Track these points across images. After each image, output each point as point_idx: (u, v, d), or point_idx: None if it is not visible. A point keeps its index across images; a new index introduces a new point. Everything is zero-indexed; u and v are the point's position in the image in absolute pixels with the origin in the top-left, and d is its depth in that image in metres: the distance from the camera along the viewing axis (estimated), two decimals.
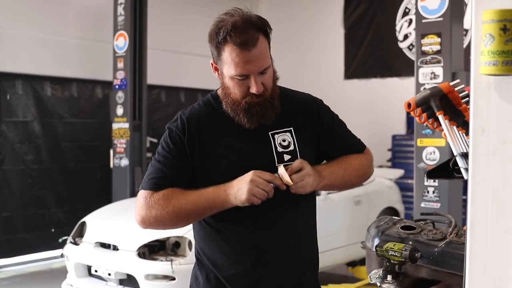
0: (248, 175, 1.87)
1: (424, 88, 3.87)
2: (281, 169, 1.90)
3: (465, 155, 1.61)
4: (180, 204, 1.92)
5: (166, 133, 2.03)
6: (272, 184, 1.88)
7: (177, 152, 1.98)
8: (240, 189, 1.86)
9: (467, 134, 1.68)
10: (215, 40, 1.90)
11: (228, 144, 1.99)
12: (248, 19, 1.89)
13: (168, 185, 1.96)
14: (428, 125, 1.78)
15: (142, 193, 1.99)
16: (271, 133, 2.01)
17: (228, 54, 1.88)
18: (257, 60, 1.89)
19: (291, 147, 2.02)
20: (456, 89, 1.75)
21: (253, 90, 1.91)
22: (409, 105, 1.76)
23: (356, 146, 2.19)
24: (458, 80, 1.81)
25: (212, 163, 1.97)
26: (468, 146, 1.59)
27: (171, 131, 2.01)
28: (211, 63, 2.00)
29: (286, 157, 2.00)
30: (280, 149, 2.00)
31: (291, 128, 2.04)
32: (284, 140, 2.02)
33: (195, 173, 1.98)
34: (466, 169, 1.56)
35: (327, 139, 2.11)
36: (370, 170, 2.21)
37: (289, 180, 1.88)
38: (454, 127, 1.71)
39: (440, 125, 1.73)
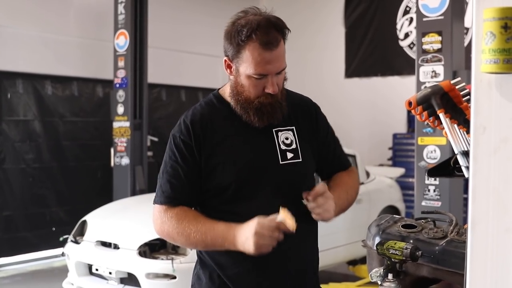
0: (252, 227, 1.83)
1: (425, 87, 3.87)
2: (283, 212, 1.85)
3: (466, 154, 1.60)
4: (190, 230, 1.93)
5: (170, 141, 2.03)
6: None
7: (183, 160, 1.97)
8: (247, 241, 1.85)
9: (468, 132, 1.68)
10: (237, 38, 1.89)
11: (233, 142, 2.00)
12: (270, 20, 1.90)
13: (180, 197, 1.97)
14: (429, 123, 1.77)
15: (156, 207, 2.01)
16: (275, 130, 2.03)
17: (250, 52, 1.88)
18: (276, 61, 1.90)
19: (293, 146, 2.04)
20: (457, 87, 1.75)
21: (269, 90, 1.93)
22: (410, 103, 1.76)
23: (345, 163, 2.24)
24: (459, 78, 1.81)
25: (217, 161, 1.97)
26: (469, 144, 1.59)
27: (175, 138, 2.01)
28: (225, 60, 1.99)
29: (289, 155, 2.02)
30: (283, 147, 2.02)
31: (293, 127, 2.06)
32: (287, 138, 2.04)
33: (201, 173, 1.98)
34: (467, 168, 1.56)
35: (322, 147, 2.14)
36: (359, 188, 2.26)
37: (293, 224, 1.83)
38: (455, 125, 1.71)
39: (441, 123, 1.73)
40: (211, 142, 1.98)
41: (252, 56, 1.88)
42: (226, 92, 2.05)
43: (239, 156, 1.98)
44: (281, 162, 2.00)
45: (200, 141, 1.97)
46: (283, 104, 2.00)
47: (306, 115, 2.12)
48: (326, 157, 2.16)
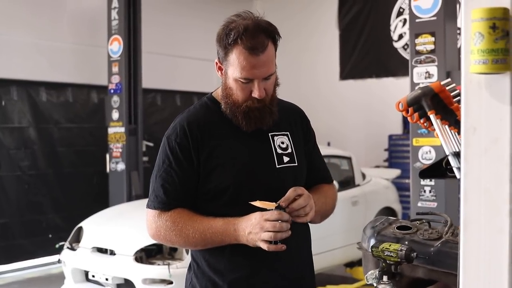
0: (255, 224, 1.84)
1: (418, 88, 3.87)
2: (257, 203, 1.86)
3: (457, 154, 1.60)
4: (187, 231, 1.92)
5: (164, 144, 2.01)
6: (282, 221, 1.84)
7: (178, 164, 1.96)
8: (250, 236, 1.85)
9: (459, 133, 1.68)
10: (225, 41, 1.90)
11: (231, 145, 1.99)
12: (259, 24, 1.91)
13: (174, 203, 1.96)
14: (420, 124, 1.77)
15: (150, 212, 2.00)
16: (271, 135, 2.03)
17: (236, 56, 1.89)
18: (263, 66, 1.90)
19: (289, 150, 2.05)
20: (447, 88, 1.75)
21: (256, 94, 1.92)
22: (400, 105, 1.76)
23: (328, 177, 2.24)
24: (449, 79, 1.81)
25: (216, 164, 1.97)
26: (460, 145, 1.59)
27: (170, 141, 2.00)
28: (216, 62, 2.00)
29: (285, 159, 2.03)
30: (279, 151, 2.03)
31: (288, 133, 2.08)
32: (282, 143, 2.05)
33: (199, 175, 1.97)
34: (459, 168, 1.56)
35: (309, 158, 2.14)
36: (336, 201, 2.24)
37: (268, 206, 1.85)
38: (446, 126, 1.71)
39: (432, 124, 1.73)
40: (209, 144, 1.97)
41: (238, 60, 1.89)
42: (220, 95, 2.05)
43: (237, 159, 1.98)
44: (277, 166, 2.01)
45: (198, 142, 1.97)
46: (273, 110, 2.00)
47: (298, 122, 2.14)
48: (312, 168, 2.16)
